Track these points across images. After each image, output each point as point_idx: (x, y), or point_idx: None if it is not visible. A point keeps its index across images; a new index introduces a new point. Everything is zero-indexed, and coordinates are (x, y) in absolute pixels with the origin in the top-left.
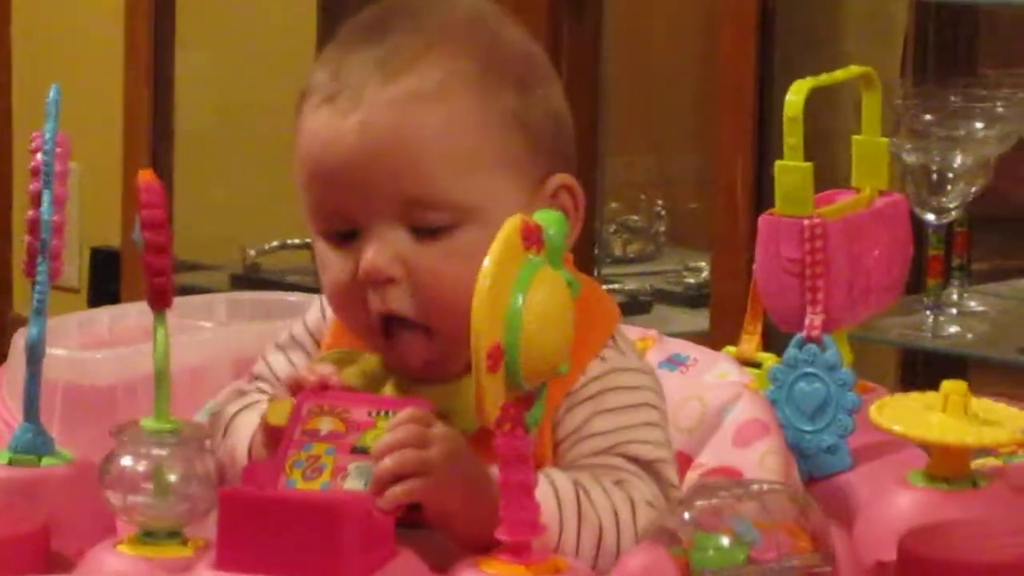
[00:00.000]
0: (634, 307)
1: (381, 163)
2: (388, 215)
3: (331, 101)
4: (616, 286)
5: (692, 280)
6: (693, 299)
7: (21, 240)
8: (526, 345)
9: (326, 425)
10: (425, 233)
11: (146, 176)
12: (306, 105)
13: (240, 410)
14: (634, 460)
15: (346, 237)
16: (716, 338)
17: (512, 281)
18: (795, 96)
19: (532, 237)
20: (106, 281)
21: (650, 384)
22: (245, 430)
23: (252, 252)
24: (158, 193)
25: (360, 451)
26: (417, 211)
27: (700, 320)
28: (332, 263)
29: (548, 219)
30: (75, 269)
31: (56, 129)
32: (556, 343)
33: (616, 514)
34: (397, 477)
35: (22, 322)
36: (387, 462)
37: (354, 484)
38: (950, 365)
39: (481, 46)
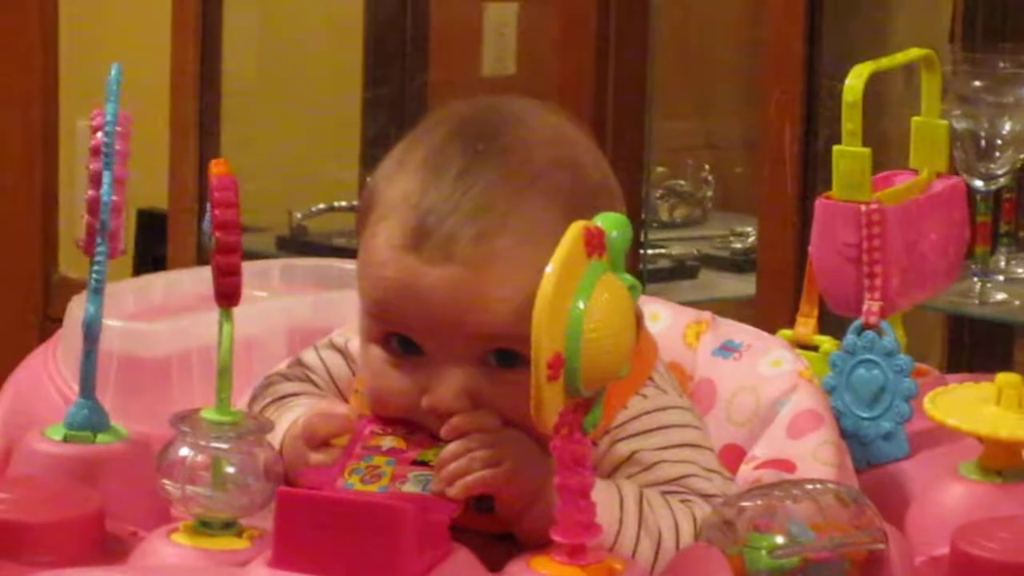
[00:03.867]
0: (681, 272)
1: (466, 315)
2: (463, 353)
3: (416, 249)
4: (663, 251)
5: (739, 245)
6: (740, 264)
7: (66, 204)
8: (587, 353)
9: (387, 443)
10: (496, 366)
11: (219, 168)
12: (380, 230)
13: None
14: (696, 492)
15: (407, 350)
16: (763, 304)
17: (574, 287)
18: (855, 81)
19: (595, 242)
20: (153, 244)
21: (695, 422)
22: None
23: (298, 215)
24: (231, 190)
25: (420, 463)
26: (493, 352)
27: (747, 285)
28: (387, 376)
29: (610, 222)
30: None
31: (117, 109)
32: (617, 349)
33: (677, 527)
34: (468, 473)
35: (68, 284)
36: (456, 464)
37: (412, 489)
38: (997, 332)
39: (565, 189)
